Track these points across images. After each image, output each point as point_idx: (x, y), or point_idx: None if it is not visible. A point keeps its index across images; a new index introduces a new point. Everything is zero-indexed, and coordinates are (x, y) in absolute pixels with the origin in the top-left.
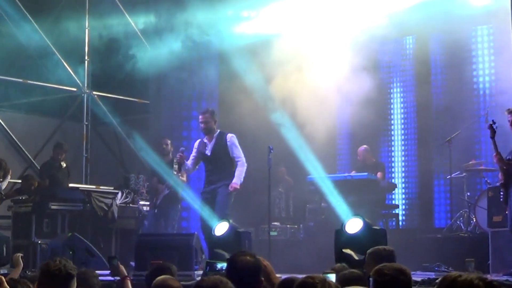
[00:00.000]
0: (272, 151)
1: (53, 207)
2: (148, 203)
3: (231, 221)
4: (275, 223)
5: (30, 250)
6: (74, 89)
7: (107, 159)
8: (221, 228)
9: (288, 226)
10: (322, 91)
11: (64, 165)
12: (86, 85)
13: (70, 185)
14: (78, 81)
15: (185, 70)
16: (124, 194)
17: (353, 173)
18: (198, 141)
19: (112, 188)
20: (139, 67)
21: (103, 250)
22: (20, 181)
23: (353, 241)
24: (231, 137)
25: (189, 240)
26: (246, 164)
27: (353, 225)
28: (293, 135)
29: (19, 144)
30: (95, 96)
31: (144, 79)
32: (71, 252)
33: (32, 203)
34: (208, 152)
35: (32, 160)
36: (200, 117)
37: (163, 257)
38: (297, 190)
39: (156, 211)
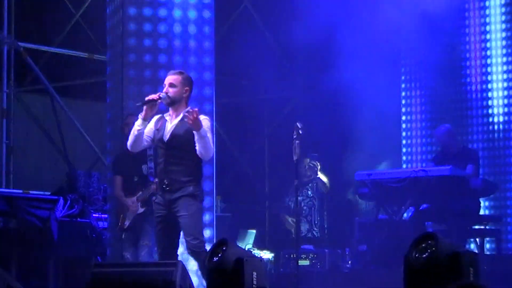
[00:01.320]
0: (301, 132)
1: None
2: (106, 215)
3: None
4: (307, 246)
5: None
6: None
7: (41, 148)
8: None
9: (326, 251)
10: None
11: None
12: (6, 32)
13: None
14: None
15: (161, 5)
16: (69, 202)
17: (428, 167)
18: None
19: (50, 192)
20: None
21: None
22: None
23: (426, 272)
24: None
25: (170, 273)
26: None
27: (424, 247)
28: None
29: None
30: (21, 49)
31: (98, 25)
32: None
33: None
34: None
35: None
36: (168, 78)
37: None
38: (337, 194)
39: (123, 235)
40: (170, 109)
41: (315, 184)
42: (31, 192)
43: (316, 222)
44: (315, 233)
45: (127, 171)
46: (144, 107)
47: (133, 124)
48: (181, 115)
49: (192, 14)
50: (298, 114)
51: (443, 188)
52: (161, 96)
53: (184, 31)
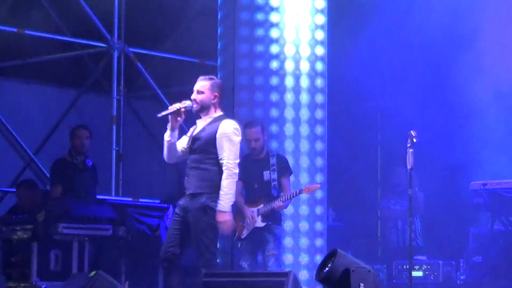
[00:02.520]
0: (415, 140)
1: (65, 230)
2: None
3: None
4: (420, 257)
5: None
6: (99, 44)
7: (150, 155)
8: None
9: (440, 262)
10: None
11: (90, 163)
12: (116, 37)
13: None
14: (105, 31)
15: (273, 10)
16: None
17: None
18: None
19: (159, 200)
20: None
21: None
22: (13, 190)
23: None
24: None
25: (281, 284)
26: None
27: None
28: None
29: (11, 132)
30: (132, 54)
31: (209, 30)
32: None
33: (33, 225)
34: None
35: (33, 157)
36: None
37: None
38: (449, 201)
39: (240, 245)
40: (201, 115)
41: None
42: (140, 199)
43: (419, 232)
44: (419, 242)
45: (248, 176)
46: (170, 117)
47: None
48: (208, 120)
49: (305, 19)
50: (412, 121)
51: None
52: (186, 104)
53: (297, 36)
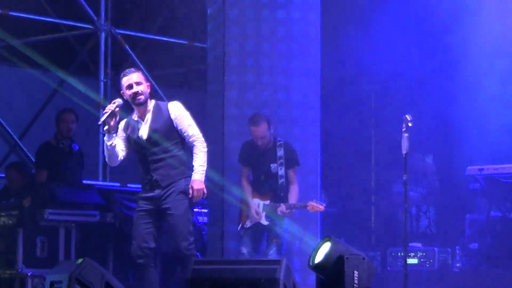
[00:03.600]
0: (410, 125)
1: (52, 217)
2: (206, 210)
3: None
4: (415, 244)
5: (14, 287)
6: (86, 26)
7: None
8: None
9: (436, 249)
10: None
11: (76, 147)
12: (103, 19)
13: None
14: (91, 12)
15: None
16: None
17: None
18: (124, 120)
19: None
20: None
21: (134, 286)
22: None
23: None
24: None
25: (274, 271)
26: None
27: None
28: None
29: None
30: (119, 36)
31: (198, 11)
32: None
33: (19, 211)
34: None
35: (17, 141)
36: (125, 76)
37: None
38: (445, 187)
39: (242, 233)
40: (139, 108)
41: (423, 171)
42: (128, 185)
43: (433, 219)
44: (433, 229)
45: (254, 165)
46: (107, 121)
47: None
48: (149, 110)
49: None
50: (407, 105)
51: None
52: (117, 103)
53: (288, 17)
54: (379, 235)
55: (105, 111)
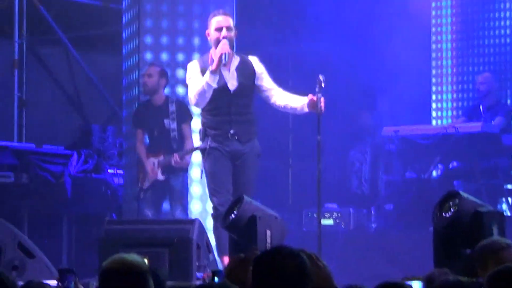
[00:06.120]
0: (324, 85)
1: None
2: (121, 171)
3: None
4: (331, 205)
5: None
6: None
7: (54, 101)
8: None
9: (351, 210)
10: None
11: None
12: None
13: None
14: None
15: None
16: (83, 157)
17: (459, 123)
18: (196, 62)
19: (63, 147)
20: None
21: (48, 248)
22: None
23: (450, 231)
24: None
25: (187, 231)
26: None
27: (448, 206)
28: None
29: None
30: None
31: None
32: None
33: None
34: (231, 85)
35: None
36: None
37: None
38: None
39: (141, 195)
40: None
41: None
42: (44, 146)
43: (366, 178)
44: (364, 190)
45: (148, 124)
46: (217, 60)
47: (155, 75)
48: (237, 63)
49: None
50: (321, 66)
51: (474, 145)
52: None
53: None
54: (296, 196)
55: (222, 50)
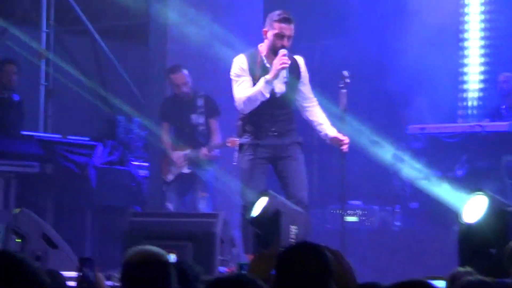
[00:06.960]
0: (348, 81)
1: None
2: (146, 163)
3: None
4: (355, 202)
5: None
6: None
7: (79, 91)
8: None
9: (376, 207)
10: None
11: (17, 98)
12: None
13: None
14: None
15: None
16: (108, 149)
17: (485, 123)
18: (244, 57)
19: (88, 138)
20: None
21: (72, 238)
22: None
23: (476, 231)
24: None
25: (210, 224)
26: None
27: (476, 207)
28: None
29: None
30: None
31: None
32: (18, 240)
33: None
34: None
35: None
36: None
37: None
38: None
39: (164, 187)
40: (265, 55)
41: None
42: (69, 137)
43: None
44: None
45: (175, 118)
46: (276, 71)
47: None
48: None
49: None
50: (345, 62)
51: (500, 144)
52: (286, 53)
53: None
54: (321, 191)
55: (284, 62)
